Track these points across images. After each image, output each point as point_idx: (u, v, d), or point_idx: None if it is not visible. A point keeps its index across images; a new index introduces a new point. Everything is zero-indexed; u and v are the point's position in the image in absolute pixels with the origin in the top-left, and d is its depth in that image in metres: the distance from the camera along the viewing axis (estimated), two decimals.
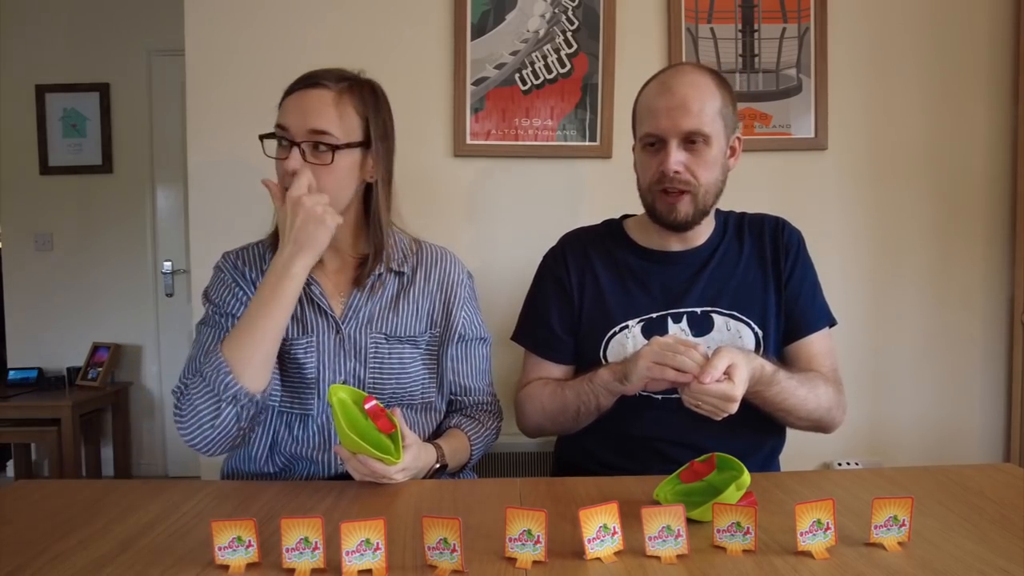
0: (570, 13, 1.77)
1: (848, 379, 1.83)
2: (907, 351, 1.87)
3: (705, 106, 1.10)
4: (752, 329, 1.18)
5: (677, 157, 1.10)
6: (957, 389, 1.88)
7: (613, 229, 1.29)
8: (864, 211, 1.85)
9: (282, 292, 1.01)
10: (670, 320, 1.18)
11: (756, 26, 1.80)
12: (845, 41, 1.81)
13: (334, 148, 1.07)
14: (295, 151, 1.06)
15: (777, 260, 1.21)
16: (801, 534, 0.72)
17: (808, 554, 0.71)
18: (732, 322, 1.17)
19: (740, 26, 1.80)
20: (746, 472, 0.81)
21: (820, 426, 1.16)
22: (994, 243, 1.87)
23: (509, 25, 1.77)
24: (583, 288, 1.23)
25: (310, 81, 1.09)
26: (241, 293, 1.13)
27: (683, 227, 1.17)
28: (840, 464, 1.84)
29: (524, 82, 1.78)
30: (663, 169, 1.11)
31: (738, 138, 1.19)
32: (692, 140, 1.10)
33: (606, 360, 1.18)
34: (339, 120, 1.07)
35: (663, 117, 1.11)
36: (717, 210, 1.24)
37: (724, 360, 0.94)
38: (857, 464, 1.83)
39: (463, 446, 1.15)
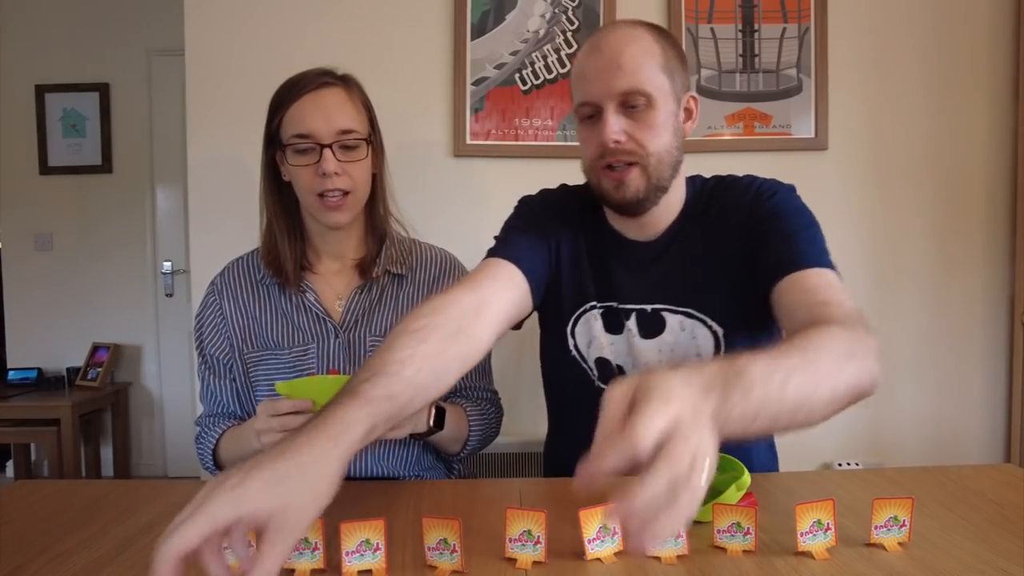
0: (570, 13, 1.77)
1: None
2: (908, 351, 1.87)
3: (642, 62, 0.94)
4: (709, 328, 1.01)
5: (616, 124, 0.95)
6: (958, 389, 1.88)
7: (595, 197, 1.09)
8: (864, 211, 1.85)
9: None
10: (623, 316, 1.05)
11: (756, 26, 1.80)
12: (845, 41, 1.81)
13: (368, 141, 1.09)
14: (328, 153, 1.05)
15: (747, 231, 1.00)
16: (801, 534, 0.71)
17: (808, 555, 0.71)
18: (687, 321, 1.02)
19: (740, 26, 1.80)
20: (746, 472, 0.81)
21: (858, 392, 0.70)
22: (994, 242, 1.87)
23: (509, 25, 1.77)
24: (559, 249, 1.09)
25: (318, 81, 1.08)
26: (224, 326, 1.14)
27: (635, 207, 1.00)
28: (840, 464, 1.84)
29: (524, 82, 1.78)
30: (602, 140, 0.96)
31: (692, 97, 1.02)
32: (632, 104, 0.94)
33: (573, 338, 1.08)
34: (356, 115, 1.09)
35: (593, 80, 0.96)
36: (692, 179, 1.08)
37: (618, 396, 0.59)
38: (857, 464, 1.83)
39: (459, 412, 1.12)
